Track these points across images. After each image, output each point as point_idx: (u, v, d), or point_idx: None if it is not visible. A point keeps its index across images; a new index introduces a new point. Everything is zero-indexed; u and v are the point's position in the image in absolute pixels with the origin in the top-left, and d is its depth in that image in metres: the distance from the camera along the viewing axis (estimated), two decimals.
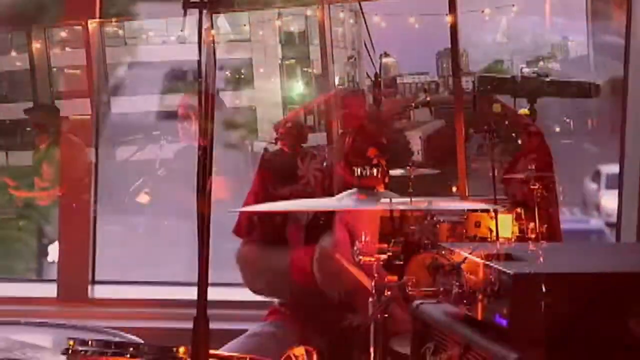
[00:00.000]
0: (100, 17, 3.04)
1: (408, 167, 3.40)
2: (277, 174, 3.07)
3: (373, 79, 3.41)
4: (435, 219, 3.41)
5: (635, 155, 3.94)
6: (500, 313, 1.96)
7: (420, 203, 2.75)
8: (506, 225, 3.31)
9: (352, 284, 2.75)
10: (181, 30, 2.58)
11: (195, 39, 2.29)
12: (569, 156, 3.51)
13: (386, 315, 2.30)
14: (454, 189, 3.48)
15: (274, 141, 3.25)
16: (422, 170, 3.44)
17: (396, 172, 3.39)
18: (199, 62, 2.08)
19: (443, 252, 2.92)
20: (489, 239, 3.28)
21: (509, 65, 3.89)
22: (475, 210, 3.35)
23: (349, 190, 2.48)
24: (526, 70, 3.41)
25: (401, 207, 2.76)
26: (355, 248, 2.37)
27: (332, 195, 2.63)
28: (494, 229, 3.29)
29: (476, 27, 3.60)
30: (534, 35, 3.82)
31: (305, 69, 3.42)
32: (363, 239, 2.36)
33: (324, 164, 3.05)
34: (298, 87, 3.44)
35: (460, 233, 3.34)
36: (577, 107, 3.74)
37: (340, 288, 2.89)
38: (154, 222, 5.21)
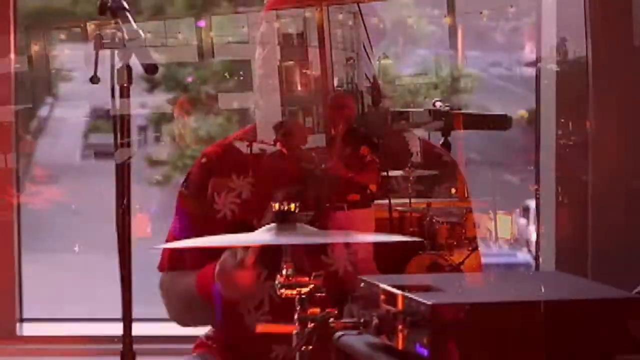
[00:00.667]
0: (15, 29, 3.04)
1: (407, 169, 3.40)
2: (196, 211, 3.11)
3: (372, 80, 3.41)
4: (434, 220, 3.42)
5: (550, 186, 3.99)
6: (421, 342, 1.98)
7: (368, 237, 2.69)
8: (505, 226, 3.32)
9: (252, 286, 2.75)
10: (93, 77, 2.54)
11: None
12: (493, 188, 3.52)
13: (310, 347, 2.31)
14: (453, 190, 3.48)
15: (272, 143, 3.26)
16: (421, 172, 3.45)
17: (395, 173, 3.40)
18: (112, 103, 2.04)
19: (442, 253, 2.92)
20: (488, 240, 3.29)
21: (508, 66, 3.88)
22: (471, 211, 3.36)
23: (268, 226, 2.48)
24: (439, 103, 3.41)
25: (323, 240, 2.76)
26: (276, 282, 2.38)
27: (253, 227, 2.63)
28: (492, 230, 3.29)
29: (474, 28, 3.60)
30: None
31: (304, 71, 3.42)
32: (284, 272, 2.36)
33: (242, 196, 3.08)
34: (297, 89, 3.44)
35: (460, 234, 3.34)
36: (496, 139, 3.73)
37: (241, 292, 2.90)
38: (81, 257, 5.21)
